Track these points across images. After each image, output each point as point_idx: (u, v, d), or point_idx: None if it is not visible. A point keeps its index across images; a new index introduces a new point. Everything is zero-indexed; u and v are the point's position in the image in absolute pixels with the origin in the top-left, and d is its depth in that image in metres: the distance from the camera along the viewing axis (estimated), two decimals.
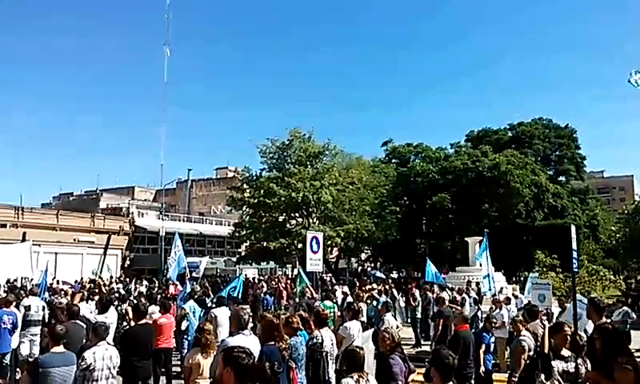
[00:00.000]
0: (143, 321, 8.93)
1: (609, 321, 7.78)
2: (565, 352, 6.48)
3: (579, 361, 6.50)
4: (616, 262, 36.58)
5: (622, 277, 32.36)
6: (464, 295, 16.31)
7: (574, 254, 11.36)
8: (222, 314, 9.61)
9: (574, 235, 11.32)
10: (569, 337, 6.70)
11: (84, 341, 8.56)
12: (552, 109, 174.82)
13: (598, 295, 19.58)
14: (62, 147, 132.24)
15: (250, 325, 7.91)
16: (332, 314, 12.63)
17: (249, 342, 6.66)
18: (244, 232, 36.66)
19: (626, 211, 36.06)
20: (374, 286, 20.11)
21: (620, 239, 33.91)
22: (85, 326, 9.12)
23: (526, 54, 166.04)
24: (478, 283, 17.56)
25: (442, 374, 4.29)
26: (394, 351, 6.39)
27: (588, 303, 9.02)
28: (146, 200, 60.84)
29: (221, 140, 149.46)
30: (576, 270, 12.37)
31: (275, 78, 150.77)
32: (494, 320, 13.53)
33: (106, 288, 21.44)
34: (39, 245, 27.90)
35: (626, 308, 15.20)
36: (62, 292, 16.98)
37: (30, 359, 8.70)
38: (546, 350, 6.72)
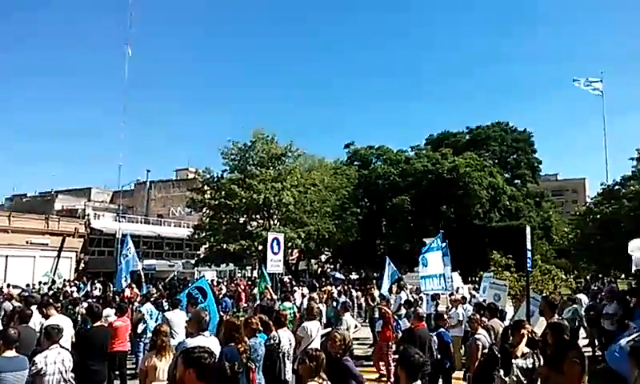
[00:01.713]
0: (98, 323, 8.74)
1: (559, 318, 8.00)
2: (524, 349, 6.64)
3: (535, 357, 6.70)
4: (567, 261, 37.63)
5: (572, 276, 33.37)
6: (421, 295, 16.52)
7: (529, 254, 11.71)
8: (176, 316, 9.47)
9: (528, 236, 11.67)
10: (528, 334, 6.88)
11: (35, 346, 8.35)
12: (509, 113, 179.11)
13: (551, 294, 20.15)
14: (16, 147, 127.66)
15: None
16: (292, 315, 12.64)
17: (209, 343, 6.59)
18: (204, 234, 36.30)
19: (577, 213, 37.20)
20: (329, 288, 20.19)
21: (572, 240, 34.95)
22: (37, 330, 8.90)
23: (483, 62, 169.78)
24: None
25: (408, 373, 4.29)
26: (345, 354, 6.32)
27: (543, 301, 9.31)
28: (102, 202, 59.41)
29: (181, 141, 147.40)
30: (530, 269, 12.74)
31: (238, 78, 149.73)
32: (450, 318, 13.78)
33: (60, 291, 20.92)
34: None
35: (575, 306, 15.68)
36: (17, 296, 16.44)
37: None
38: (519, 352, 6.79)
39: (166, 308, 13.08)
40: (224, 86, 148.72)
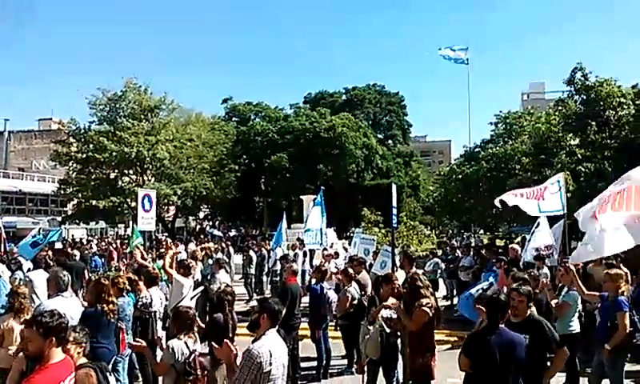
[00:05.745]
0: None
1: (419, 271, 8.66)
2: (390, 301, 7.12)
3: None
4: (433, 218, 40.47)
5: (436, 232, 35.89)
6: (297, 251, 16.96)
7: (394, 211, 12.47)
8: (39, 276, 8.94)
9: (394, 193, 12.39)
10: (396, 288, 7.37)
11: None
12: (385, 77, 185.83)
13: (415, 248, 21.67)
14: None
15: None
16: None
17: (68, 304, 6.39)
18: (70, 189, 34.18)
19: (442, 173, 39.90)
20: (208, 245, 20.06)
21: (436, 198, 37.51)
22: None
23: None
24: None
25: (271, 320, 4.62)
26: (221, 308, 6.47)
27: (402, 255, 10.02)
28: None
29: (43, 89, 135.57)
30: (395, 225, 13.58)
31: (112, 26, 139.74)
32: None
33: None
34: None
35: (436, 259, 17.01)
36: None
37: None
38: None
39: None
40: (95, 33, 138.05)
